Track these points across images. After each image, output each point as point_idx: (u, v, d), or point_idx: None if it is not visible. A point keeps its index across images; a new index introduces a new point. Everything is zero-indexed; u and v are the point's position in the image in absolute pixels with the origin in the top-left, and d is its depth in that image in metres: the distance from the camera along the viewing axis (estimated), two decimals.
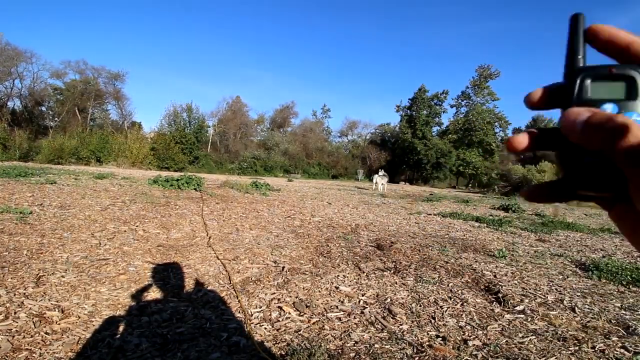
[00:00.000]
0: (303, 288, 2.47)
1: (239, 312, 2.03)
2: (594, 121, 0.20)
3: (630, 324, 2.07)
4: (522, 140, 0.24)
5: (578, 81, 0.22)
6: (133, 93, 77.36)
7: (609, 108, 0.21)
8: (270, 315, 2.01)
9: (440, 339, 1.82)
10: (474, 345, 1.76)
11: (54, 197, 5.59)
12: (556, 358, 1.67)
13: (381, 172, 16.69)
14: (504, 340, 1.82)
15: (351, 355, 1.63)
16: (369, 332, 1.87)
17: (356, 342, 1.74)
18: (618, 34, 0.22)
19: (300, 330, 1.84)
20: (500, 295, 2.48)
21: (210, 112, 43.18)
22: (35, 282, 2.23)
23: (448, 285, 2.66)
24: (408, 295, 2.42)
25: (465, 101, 42.84)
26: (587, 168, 0.21)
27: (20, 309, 1.86)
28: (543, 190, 0.25)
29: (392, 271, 2.98)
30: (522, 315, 2.16)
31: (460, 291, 2.54)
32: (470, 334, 1.88)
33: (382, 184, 16.20)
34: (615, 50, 0.22)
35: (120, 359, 1.50)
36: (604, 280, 2.98)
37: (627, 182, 0.20)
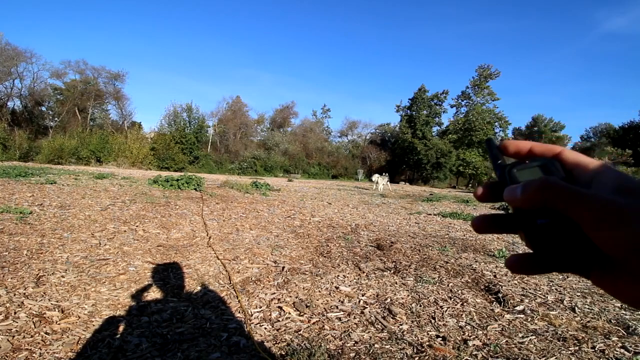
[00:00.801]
0: (303, 288, 2.47)
1: (239, 312, 2.03)
2: (526, 185, 0.26)
3: (630, 324, 2.07)
4: (481, 225, 0.30)
5: (507, 172, 0.30)
6: (133, 93, 77.40)
7: None
8: (270, 315, 2.01)
9: (440, 339, 1.82)
10: (474, 345, 1.76)
11: (54, 197, 5.59)
12: (556, 358, 1.67)
13: (384, 175, 17.14)
14: (504, 340, 1.82)
15: (351, 355, 1.63)
16: (369, 332, 1.87)
17: (356, 342, 1.74)
18: (519, 144, 0.31)
19: (300, 330, 1.84)
20: (500, 295, 2.48)
21: (210, 112, 43.20)
22: (35, 282, 2.23)
23: (448, 285, 2.66)
24: (408, 295, 2.42)
25: (465, 101, 42.85)
26: (542, 228, 0.26)
27: (20, 309, 1.86)
28: (526, 263, 0.28)
29: (392, 271, 2.98)
30: (522, 315, 2.16)
31: (460, 291, 2.54)
32: (470, 334, 1.88)
33: (383, 183, 16.25)
34: (522, 154, 0.31)
35: (120, 359, 1.50)
36: None
37: (580, 236, 0.25)
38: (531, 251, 0.28)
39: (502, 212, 0.31)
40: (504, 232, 0.30)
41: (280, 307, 2.11)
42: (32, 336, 1.62)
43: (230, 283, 2.47)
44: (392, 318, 2.05)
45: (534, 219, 0.27)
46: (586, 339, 1.86)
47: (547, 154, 0.30)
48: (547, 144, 0.30)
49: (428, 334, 1.87)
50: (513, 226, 0.29)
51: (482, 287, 2.68)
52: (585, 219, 0.23)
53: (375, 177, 17.20)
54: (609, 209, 0.22)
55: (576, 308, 2.31)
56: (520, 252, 0.29)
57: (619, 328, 2.02)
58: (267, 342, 1.71)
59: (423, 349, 1.70)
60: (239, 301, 2.15)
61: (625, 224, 0.22)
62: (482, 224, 0.30)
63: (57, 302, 1.99)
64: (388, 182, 16.99)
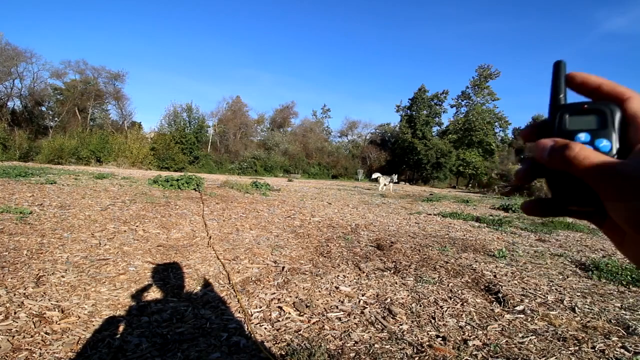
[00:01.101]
0: (303, 288, 2.47)
1: (239, 312, 2.03)
2: (554, 147, 0.26)
3: (630, 324, 2.07)
4: (525, 174, 0.29)
5: (558, 116, 0.27)
6: (133, 93, 77.34)
7: (582, 137, 0.26)
8: (270, 315, 2.01)
9: (440, 339, 1.82)
10: (474, 345, 1.76)
11: (54, 197, 5.59)
12: (556, 358, 1.67)
13: (392, 175, 16.98)
14: (504, 340, 1.82)
15: (351, 355, 1.63)
16: (369, 332, 1.87)
17: (356, 342, 1.74)
18: (589, 78, 0.28)
19: (300, 330, 1.84)
20: (500, 295, 2.48)
21: (210, 112, 43.23)
22: (35, 282, 2.23)
23: (448, 285, 2.66)
24: (408, 295, 2.42)
25: (465, 101, 42.83)
26: (565, 186, 0.26)
27: (20, 309, 1.86)
28: (539, 206, 0.29)
29: (392, 271, 2.98)
30: (522, 315, 2.16)
31: (460, 291, 2.54)
32: (470, 334, 1.88)
33: (384, 184, 16.05)
34: (589, 91, 0.28)
35: (120, 359, 1.50)
36: (604, 280, 2.98)
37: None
38: (548, 197, 0.29)
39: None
40: (539, 177, 0.29)
41: (280, 307, 2.11)
42: (32, 336, 1.62)
43: (229, 283, 2.47)
44: (392, 318, 2.05)
45: (561, 177, 0.26)
46: (586, 339, 1.86)
47: (614, 97, 0.27)
48: (618, 86, 0.27)
49: (428, 334, 1.87)
50: (540, 172, 0.28)
51: (482, 287, 2.68)
52: (600, 189, 0.24)
53: (375, 175, 16.87)
54: (630, 185, 0.22)
55: (576, 308, 2.31)
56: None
57: (619, 328, 2.02)
58: (267, 342, 1.71)
59: (423, 349, 1.70)
60: (238, 301, 2.15)
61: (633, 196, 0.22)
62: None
63: (57, 302, 1.99)
64: (390, 183, 16.54)
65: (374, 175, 17.16)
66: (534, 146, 0.27)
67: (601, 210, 0.26)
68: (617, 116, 0.26)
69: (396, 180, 18.24)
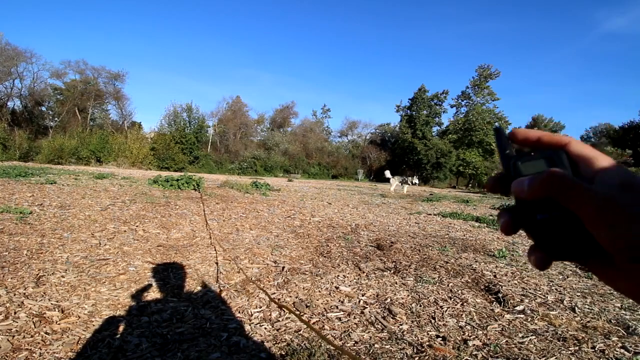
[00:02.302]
0: (303, 288, 2.47)
1: (239, 312, 2.03)
2: (534, 177, 0.27)
3: (630, 324, 2.07)
4: (507, 226, 0.30)
5: (512, 165, 0.30)
6: (133, 93, 77.36)
7: None
8: (270, 315, 2.01)
9: (440, 339, 1.82)
10: (474, 345, 1.76)
11: (54, 197, 5.59)
12: (556, 358, 1.67)
13: (410, 178, 15.94)
14: (504, 340, 1.82)
15: (351, 355, 1.63)
16: (369, 332, 1.87)
17: (356, 342, 1.74)
18: (529, 133, 0.31)
19: (300, 330, 1.84)
20: (500, 295, 2.48)
21: (210, 112, 43.20)
22: (35, 282, 2.23)
23: (448, 285, 2.66)
24: (408, 295, 2.42)
25: (465, 101, 42.82)
26: (541, 224, 0.27)
27: (20, 309, 1.86)
28: (536, 253, 0.29)
29: (392, 271, 2.98)
30: (522, 315, 2.16)
31: (460, 291, 2.54)
32: (470, 334, 1.88)
33: (396, 184, 15.45)
34: (531, 144, 0.31)
35: (120, 359, 1.50)
36: None
37: (579, 231, 0.26)
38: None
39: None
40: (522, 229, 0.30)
41: (280, 307, 2.11)
42: (32, 336, 1.62)
43: (229, 283, 2.47)
44: (392, 318, 2.05)
45: (534, 214, 0.27)
46: (586, 339, 1.86)
47: (555, 144, 0.29)
48: (556, 135, 0.30)
49: (428, 334, 1.87)
50: (518, 222, 0.29)
51: (482, 287, 2.68)
52: (587, 215, 0.24)
53: (387, 174, 15.70)
54: (609, 207, 0.23)
55: (576, 308, 2.31)
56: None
57: (619, 328, 2.02)
58: (267, 342, 1.71)
59: (423, 349, 1.70)
60: (215, 250, 2.14)
61: (624, 223, 0.22)
62: (507, 226, 0.30)
63: (57, 302, 1.99)
64: (404, 184, 15.13)
65: (387, 175, 16.11)
66: (512, 188, 0.28)
67: (587, 254, 0.27)
68: (564, 157, 0.28)
69: (416, 182, 16.03)
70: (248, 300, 2.21)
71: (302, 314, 2.04)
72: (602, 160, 0.27)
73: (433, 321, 2.03)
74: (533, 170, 0.28)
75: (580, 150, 0.28)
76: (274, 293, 2.35)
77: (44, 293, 2.10)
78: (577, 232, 0.26)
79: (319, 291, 2.43)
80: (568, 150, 0.29)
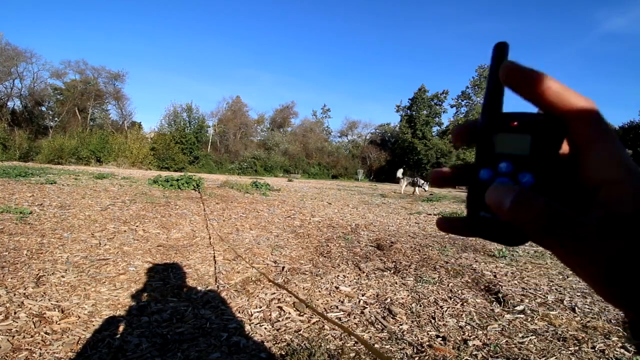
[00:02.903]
0: (303, 288, 2.47)
1: (239, 312, 2.03)
2: (521, 203, 0.19)
3: None
4: (445, 175, 0.26)
5: (487, 133, 0.21)
6: (133, 93, 77.40)
7: (504, 167, 0.21)
8: (270, 315, 2.01)
9: (440, 339, 1.82)
10: (474, 345, 1.76)
11: (54, 197, 5.59)
12: (556, 358, 1.67)
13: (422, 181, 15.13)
14: (504, 340, 1.82)
15: (351, 355, 1.63)
16: (369, 332, 1.87)
17: (356, 342, 1.74)
18: (531, 75, 0.20)
19: (300, 330, 1.84)
20: (500, 295, 2.48)
21: (210, 112, 43.22)
22: (35, 282, 2.23)
23: (448, 285, 2.66)
24: (408, 295, 2.42)
25: (465, 101, 42.83)
26: (481, 222, 0.22)
27: (20, 309, 1.86)
28: (457, 224, 0.25)
29: (392, 271, 2.98)
30: (522, 315, 2.16)
31: (460, 291, 2.54)
32: (470, 334, 1.88)
33: (405, 185, 15.08)
34: (529, 94, 0.20)
35: (120, 359, 1.50)
36: None
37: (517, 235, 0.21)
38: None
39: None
40: (466, 235, 0.26)
41: (280, 307, 2.11)
42: (32, 336, 1.62)
43: (229, 283, 2.47)
44: (392, 318, 2.05)
45: (478, 211, 0.22)
46: (586, 339, 1.86)
47: (560, 109, 0.19)
48: (570, 94, 0.19)
49: (428, 334, 1.87)
50: (465, 180, 0.24)
51: (482, 287, 2.68)
52: (589, 273, 0.19)
53: (399, 173, 15.07)
54: (617, 267, 0.17)
55: (576, 308, 2.31)
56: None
57: (619, 328, 2.02)
58: (267, 342, 1.71)
59: (423, 349, 1.70)
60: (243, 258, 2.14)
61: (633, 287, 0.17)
62: (441, 224, 0.26)
63: (57, 302, 1.99)
64: (416, 186, 14.18)
65: (398, 174, 15.40)
66: (490, 202, 0.20)
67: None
68: (557, 141, 0.20)
69: (426, 188, 14.68)
70: (248, 300, 2.21)
71: (302, 313, 2.05)
72: (617, 164, 0.18)
73: (433, 321, 2.03)
74: (510, 149, 0.21)
75: (588, 137, 0.19)
76: (274, 293, 2.35)
77: (44, 293, 2.10)
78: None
79: (319, 291, 2.43)
80: (574, 131, 0.19)
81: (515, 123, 0.20)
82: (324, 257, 3.34)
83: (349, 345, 1.71)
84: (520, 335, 1.89)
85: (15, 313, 1.81)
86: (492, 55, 0.21)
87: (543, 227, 0.18)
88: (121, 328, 1.76)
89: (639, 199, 0.17)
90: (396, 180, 17.43)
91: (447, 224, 0.26)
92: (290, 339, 1.74)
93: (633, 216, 0.17)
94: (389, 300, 2.32)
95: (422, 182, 14.87)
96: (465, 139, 0.24)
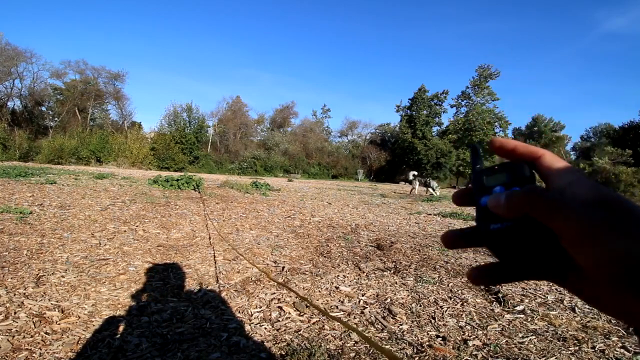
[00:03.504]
0: (303, 288, 2.47)
1: (239, 312, 2.03)
2: (511, 193, 0.27)
3: None
4: (454, 240, 0.32)
5: (477, 178, 0.31)
6: (133, 93, 77.51)
7: (498, 189, 0.29)
8: (270, 315, 2.01)
9: (440, 339, 1.82)
10: (474, 345, 1.76)
11: (54, 197, 5.59)
12: (556, 358, 1.67)
13: (432, 180, 14.77)
14: (504, 340, 1.82)
15: (351, 355, 1.63)
16: (369, 332, 1.87)
17: (356, 342, 1.74)
18: (504, 142, 0.30)
19: (300, 330, 1.84)
20: (500, 295, 2.48)
21: (210, 112, 43.21)
22: (35, 282, 2.23)
23: (448, 285, 2.66)
24: (408, 295, 2.42)
25: (465, 101, 42.85)
26: (496, 234, 0.28)
27: (20, 309, 1.86)
28: (488, 272, 0.30)
29: (392, 271, 2.98)
30: (522, 315, 2.16)
31: (460, 291, 2.54)
32: (470, 334, 1.88)
33: (414, 187, 14.74)
34: (506, 153, 0.30)
35: (120, 359, 1.50)
36: None
37: (532, 244, 0.26)
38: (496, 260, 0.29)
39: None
40: (473, 246, 0.31)
41: (280, 307, 2.11)
42: (32, 336, 1.62)
43: (229, 283, 2.47)
44: (392, 318, 2.05)
45: (488, 224, 0.28)
46: (586, 339, 1.86)
47: (528, 156, 0.29)
48: (531, 146, 0.30)
49: (428, 334, 1.87)
50: (474, 240, 0.30)
51: (482, 287, 2.68)
52: (566, 234, 0.23)
53: (411, 175, 14.75)
54: (588, 225, 0.22)
55: (576, 308, 2.31)
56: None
57: (619, 328, 2.02)
58: (267, 342, 1.71)
59: (423, 349, 1.70)
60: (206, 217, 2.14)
61: (602, 241, 0.22)
62: (450, 238, 0.31)
63: (57, 302, 1.99)
64: (430, 188, 13.89)
65: (410, 176, 15.10)
66: (489, 203, 0.28)
67: (559, 269, 0.26)
68: (526, 171, 0.28)
69: (437, 192, 14.35)
70: (248, 300, 2.21)
71: (302, 313, 2.05)
72: (572, 173, 0.26)
73: (433, 321, 2.03)
74: (496, 182, 0.29)
75: (551, 163, 0.28)
76: (274, 293, 2.35)
77: (44, 293, 2.10)
78: (548, 242, 0.25)
79: (319, 291, 2.43)
80: (540, 163, 0.28)
81: (496, 167, 0.30)
82: (324, 257, 3.34)
83: (349, 345, 1.71)
84: (520, 335, 1.89)
85: (15, 313, 1.81)
86: (470, 151, 0.34)
87: (527, 201, 0.25)
88: (121, 328, 1.76)
89: (592, 188, 0.25)
90: (405, 181, 17.62)
91: (455, 237, 0.31)
92: (290, 339, 1.74)
93: (584, 198, 0.24)
94: (389, 300, 2.32)
95: (435, 184, 14.79)
96: (465, 200, 0.32)
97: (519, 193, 0.25)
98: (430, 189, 14.60)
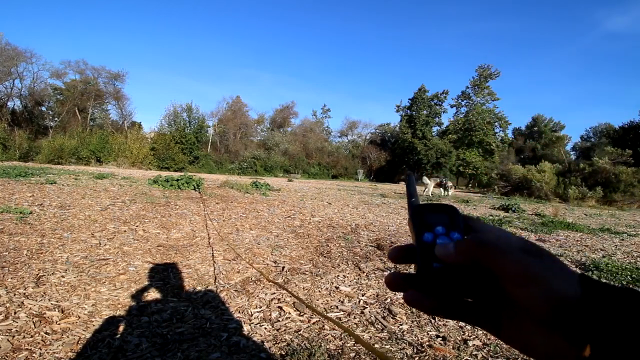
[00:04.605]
0: (303, 288, 2.47)
1: (239, 312, 2.03)
2: (461, 242, 0.29)
3: None
4: (397, 283, 0.32)
5: (418, 213, 0.33)
6: (133, 93, 77.30)
7: (440, 229, 0.31)
8: (270, 315, 2.01)
9: (440, 339, 1.82)
10: (474, 345, 1.76)
11: (54, 197, 5.59)
12: None
13: (445, 180, 14.91)
14: None
15: (351, 355, 1.63)
16: (369, 332, 1.87)
17: (356, 342, 1.74)
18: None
19: (300, 330, 1.84)
20: None
21: (210, 112, 43.12)
22: (35, 282, 2.23)
23: None
24: None
25: (465, 101, 42.82)
26: (434, 271, 0.29)
27: (20, 309, 1.86)
28: (409, 279, 0.31)
29: (392, 271, 2.97)
30: None
31: None
32: (470, 334, 1.88)
33: (432, 186, 14.66)
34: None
35: (120, 359, 1.50)
36: (604, 280, 2.98)
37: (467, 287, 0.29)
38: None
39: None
40: (415, 289, 0.31)
41: (280, 307, 2.11)
42: (32, 336, 1.62)
43: (229, 282, 2.46)
44: (392, 318, 2.05)
45: (431, 263, 0.30)
46: None
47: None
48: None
49: (428, 334, 1.87)
50: (419, 281, 0.31)
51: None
52: (509, 274, 0.26)
53: (425, 180, 14.84)
54: (529, 267, 0.25)
55: None
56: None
57: None
58: (267, 342, 1.71)
59: (423, 349, 1.70)
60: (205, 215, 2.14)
61: (540, 281, 0.25)
62: (394, 281, 0.32)
63: (57, 302, 1.99)
64: (445, 189, 14.02)
65: (424, 180, 15.15)
66: (440, 254, 0.29)
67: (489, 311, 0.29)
68: (461, 218, 0.32)
69: (449, 193, 14.45)
70: (248, 300, 2.21)
71: (302, 313, 2.05)
72: (492, 228, 0.31)
73: (433, 321, 2.03)
74: (437, 221, 0.32)
75: (478, 222, 0.32)
76: (274, 293, 2.35)
77: (44, 293, 2.10)
78: (480, 282, 0.28)
79: (319, 291, 2.43)
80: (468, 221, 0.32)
81: (435, 206, 0.33)
82: (324, 257, 3.34)
83: (349, 345, 1.71)
84: None
85: (15, 313, 1.81)
86: (406, 180, 0.37)
87: (477, 249, 0.27)
88: (121, 328, 1.76)
89: (518, 240, 0.28)
90: (415, 182, 17.26)
91: (398, 280, 0.32)
92: (290, 339, 1.74)
93: (518, 246, 0.27)
94: (389, 300, 2.32)
95: (450, 184, 14.95)
96: (403, 254, 0.33)
97: (469, 242, 0.28)
98: (443, 189, 14.81)
